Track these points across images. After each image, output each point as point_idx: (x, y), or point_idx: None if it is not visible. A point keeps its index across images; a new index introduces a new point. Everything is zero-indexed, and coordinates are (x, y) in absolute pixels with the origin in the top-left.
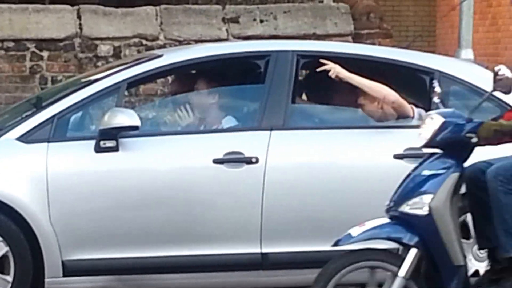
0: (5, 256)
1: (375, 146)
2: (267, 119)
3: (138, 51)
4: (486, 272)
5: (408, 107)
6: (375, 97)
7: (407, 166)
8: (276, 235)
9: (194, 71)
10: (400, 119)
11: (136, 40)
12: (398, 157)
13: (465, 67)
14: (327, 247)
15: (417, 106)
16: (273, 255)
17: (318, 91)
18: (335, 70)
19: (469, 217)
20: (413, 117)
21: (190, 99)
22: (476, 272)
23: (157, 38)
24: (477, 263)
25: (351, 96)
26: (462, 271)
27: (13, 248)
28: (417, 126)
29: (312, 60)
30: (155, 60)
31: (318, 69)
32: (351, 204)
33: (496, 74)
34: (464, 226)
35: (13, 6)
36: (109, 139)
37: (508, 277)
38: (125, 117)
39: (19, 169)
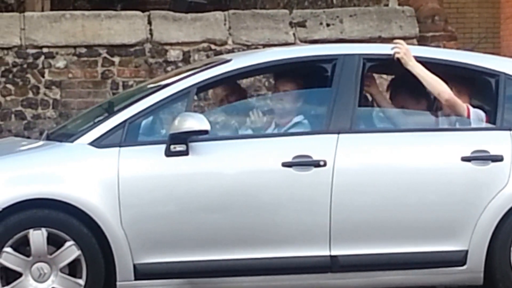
0: (77, 259)
1: (443, 149)
2: (335, 123)
3: (207, 56)
4: None
5: (463, 107)
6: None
7: (475, 168)
8: (345, 237)
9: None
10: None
11: (205, 45)
12: (465, 159)
13: None
14: (396, 249)
15: (474, 107)
16: (342, 257)
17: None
18: (401, 52)
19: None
20: (468, 117)
21: (258, 103)
22: None
23: (225, 43)
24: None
25: (417, 98)
26: None
27: (85, 251)
28: (486, 129)
29: (378, 63)
30: (224, 64)
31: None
32: (418, 207)
33: None
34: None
35: (86, 12)
36: (179, 143)
37: None
38: (195, 122)
39: (92, 173)
